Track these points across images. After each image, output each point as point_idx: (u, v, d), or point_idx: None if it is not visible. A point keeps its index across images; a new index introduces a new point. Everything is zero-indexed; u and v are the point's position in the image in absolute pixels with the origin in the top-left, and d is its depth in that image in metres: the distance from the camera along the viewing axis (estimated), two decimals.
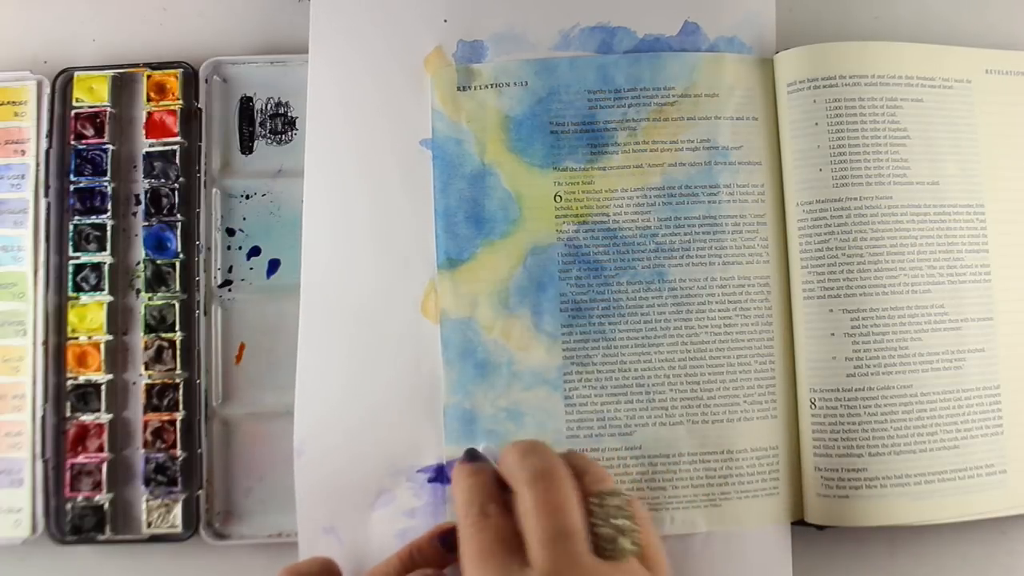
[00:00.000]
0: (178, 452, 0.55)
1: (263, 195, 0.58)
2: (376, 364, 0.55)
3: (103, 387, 0.56)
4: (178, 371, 0.56)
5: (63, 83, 0.58)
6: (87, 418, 0.56)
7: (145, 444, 0.56)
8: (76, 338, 0.56)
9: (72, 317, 0.56)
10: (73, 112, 0.57)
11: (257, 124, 0.59)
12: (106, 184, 0.57)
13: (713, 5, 0.56)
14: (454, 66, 0.56)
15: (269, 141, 0.58)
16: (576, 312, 0.54)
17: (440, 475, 0.54)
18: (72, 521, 0.55)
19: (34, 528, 0.55)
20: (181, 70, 0.57)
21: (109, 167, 0.57)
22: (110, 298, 0.57)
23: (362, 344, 0.55)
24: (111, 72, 0.58)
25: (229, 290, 0.58)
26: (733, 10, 0.57)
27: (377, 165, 0.56)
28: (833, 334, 0.53)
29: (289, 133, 0.58)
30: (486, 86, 0.56)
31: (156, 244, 0.57)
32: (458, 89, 0.56)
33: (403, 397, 0.54)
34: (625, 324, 0.54)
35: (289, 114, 0.58)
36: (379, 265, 0.55)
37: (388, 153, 0.56)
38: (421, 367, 0.55)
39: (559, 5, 0.56)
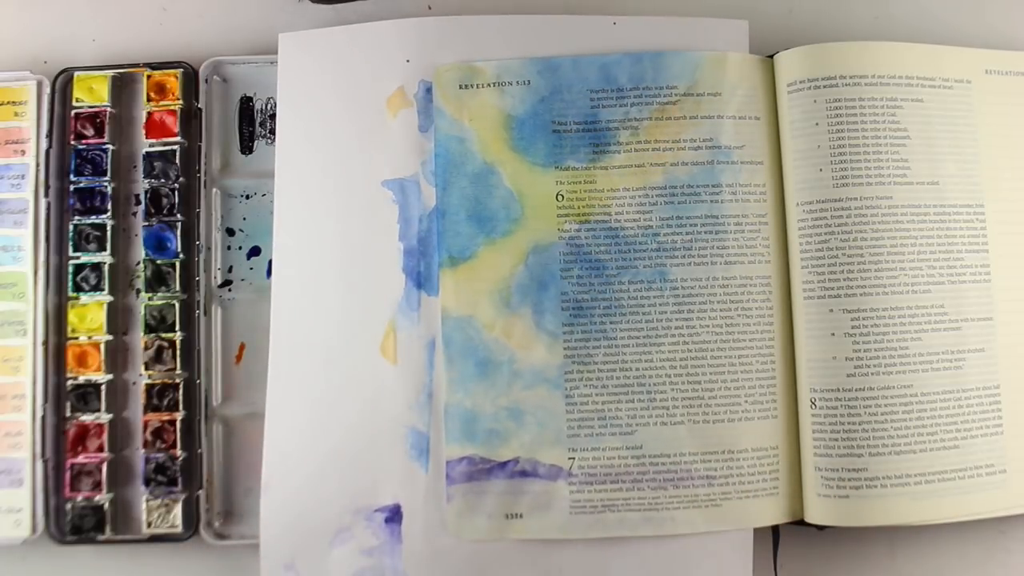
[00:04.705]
0: (178, 452, 0.55)
1: (263, 195, 0.58)
2: (338, 403, 0.55)
3: (103, 387, 0.56)
4: (178, 371, 0.56)
5: (63, 83, 0.58)
6: (87, 418, 0.56)
7: (145, 444, 0.56)
8: (76, 338, 0.56)
9: (72, 317, 0.56)
10: (73, 112, 0.57)
11: (257, 124, 0.59)
12: (106, 184, 0.57)
13: None
14: (415, 107, 0.56)
15: (269, 141, 0.58)
16: (577, 311, 0.54)
17: (396, 515, 0.54)
18: (72, 521, 0.55)
19: (34, 528, 0.55)
20: (181, 70, 0.57)
21: (109, 167, 0.57)
22: (110, 298, 0.57)
23: (326, 383, 0.55)
24: (111, 72, 0.58)
25: (229, 290, 0.58)
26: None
27: (342, 207, 0.56)
28: (833, 334, 0.53)
29: None
30: (489, 84, 0.56)
31: (156, 244, 0.57)
32: (460, 87, 0.56)
33: (363, 436, 0.54)
34: (626, 323, 0.54)
35: None
36: (343, 305, 0.55)
37: (352, 195, 0.56)
38: (380, 407, 0.55)
39: (517, 41, 0.56)
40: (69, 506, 0.55)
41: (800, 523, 0.54)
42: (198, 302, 0.57)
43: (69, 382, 0.56)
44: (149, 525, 0.55)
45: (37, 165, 0.57)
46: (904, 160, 0.54)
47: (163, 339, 0.56)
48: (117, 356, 0.57)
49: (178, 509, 0.55)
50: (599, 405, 0.54)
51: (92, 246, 0.57)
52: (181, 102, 0.57)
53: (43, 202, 0.57)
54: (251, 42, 0.59)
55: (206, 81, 0.58)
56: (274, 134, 0.57)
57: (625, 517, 0.54)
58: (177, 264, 0.57)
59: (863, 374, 0.53)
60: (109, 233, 0.57)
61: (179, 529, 0.55)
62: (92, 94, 0.57)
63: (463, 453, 0.54)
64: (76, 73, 0.58)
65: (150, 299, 0.56)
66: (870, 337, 0.53)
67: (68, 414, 0.56)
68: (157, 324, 0.56)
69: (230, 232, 0.58)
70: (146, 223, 0.57)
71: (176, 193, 0.57)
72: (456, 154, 0.55)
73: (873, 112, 0.54)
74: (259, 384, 0.56)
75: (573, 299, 0.54)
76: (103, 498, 0.55)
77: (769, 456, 0.54)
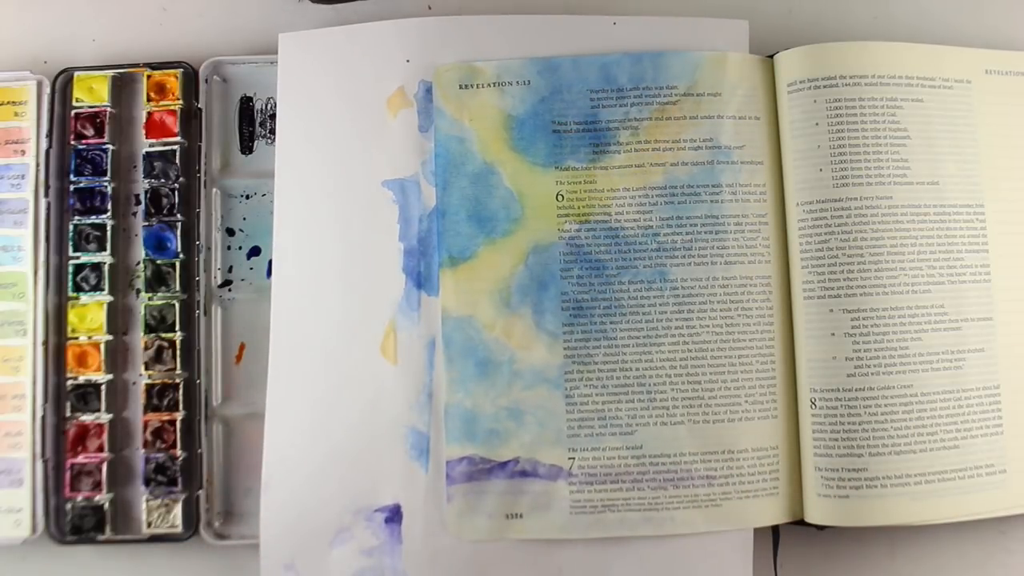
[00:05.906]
0: (178, 452, 0.55)
1: (263, 195, 0.58)
2: (338, 403, 0.55)
3: (103, 387, 0.56)
4: (178, 371, 0.56)
5: (63, 83, 0.58)
6: (87, 418, 0.56)
7: (145, 444, 0.56)
8: (76, 338, 0.56)
9: (72, 317, 0.56)
10: (73, 112, 0.57)
11: (257, 124, 0.59)
12: (106, 184, 0.57)
13: None
14: (415, 107, 0.56)
15: (269, 141, 0.58)
16: (577, 311, 0.54)
17: (396, 515, 0.54)
18: (72, 521, 0.55)
19: (34, 528, 0.55)
20: (181, 70, 0.57)
21: (109, 167, 0.57)
22: (110, 298, 0.57)
23: (326, 383, 0.55)
24: (111, 72, 0.58)
25: (229, 290, 0.58)
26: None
27: (342, 207, 0.56)
28: (833, 334, 0.53)
29: None
30: (489, 84, 0.56)
31: (156, 244, 0.57)
32: (460, 87, 0.56)
33: (363, 436, 0.54)
34: (626, 323, 0.54)
35: None
36: (344, 305, 0.55)
37: (352, 195, 0.56)
38: (380, 407, 0.55)
39: (517, 41, 0.56)
40: (69, 506, 0.55)
41: (800, 523, 0.54)
42: (198, 302, 0.57)
43: (69, 382, 0.56)
44: (149, 525, 0.55)
45: (37, 165, 0.57)
46: (904, 160, 0.54)
47: (163, 339, 0.56)
48: (117, 356, 0.57)
49: (178, 509, 0.55)
50: (599, 405, 0.54)
51: (92, 246, 0.57)
52: (181, 102, 0.57)
53: (43, 202, 0.57)
54: (251, 42, 0.59)
55: (206, 81, 0.58)
56: (274, 134, 0.57)
57: (625, 517, 0.54)
58: (177, 264, 0.57)
59: (863, 374, 0.53)
60: (109, 233, 0.57)
61: (179, 529, 0.55)
62: (92, 94, 0.57)
63: (463, 453, 0.54)
64: (76, 73, 0.58)
65: (150, 299, 0.56)
66: (870, 337, 0.53)
67: (68, 414, 0.56)
68: (157, 324, 0.56)
69: (230, 232, 0.58)
70: (146, 223, 0.57)
71: (176, 193, 0.57)
72: (456, 154, 0.55)
73: (873, 112, 0.54)
74: (259, 384, 0.56)
75: (573, 299, 0.54)
76: (103, 498, 0.55)
77: (769, 456, 0.54)
